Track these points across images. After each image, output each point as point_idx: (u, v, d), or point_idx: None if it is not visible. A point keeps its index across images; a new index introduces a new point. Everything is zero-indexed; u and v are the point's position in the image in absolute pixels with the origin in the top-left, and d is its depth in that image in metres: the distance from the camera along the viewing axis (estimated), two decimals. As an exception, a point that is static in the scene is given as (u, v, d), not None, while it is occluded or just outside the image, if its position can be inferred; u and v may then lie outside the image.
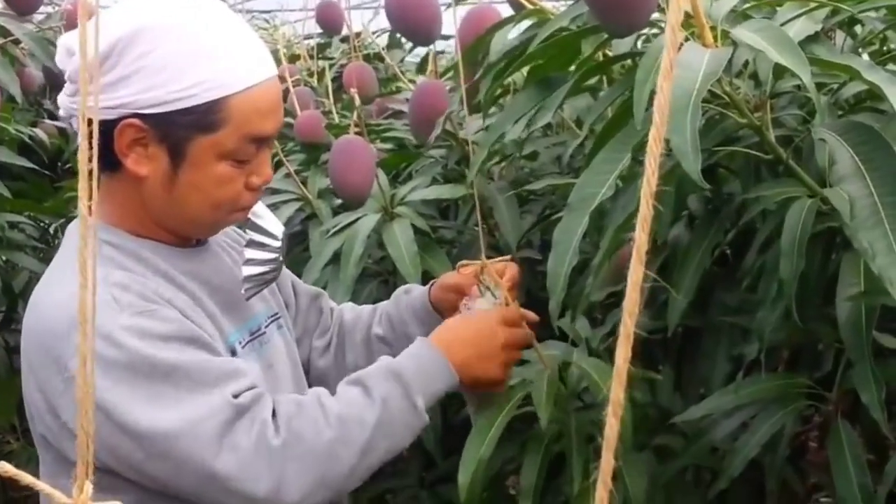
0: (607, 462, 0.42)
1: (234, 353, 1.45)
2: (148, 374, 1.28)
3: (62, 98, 1.43)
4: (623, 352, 0.41)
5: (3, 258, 2.96)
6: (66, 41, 1.40)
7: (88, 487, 0.54)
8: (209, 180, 1.39)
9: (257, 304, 1.57)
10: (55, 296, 1.37)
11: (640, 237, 0.39)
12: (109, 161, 1.37)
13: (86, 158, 0.49)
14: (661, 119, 0.37)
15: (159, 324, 1.32)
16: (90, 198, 0.50)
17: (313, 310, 1.79)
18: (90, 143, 0.50)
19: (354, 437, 1.35)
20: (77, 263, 1.50)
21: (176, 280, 1.43)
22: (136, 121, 1.33)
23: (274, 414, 1.34)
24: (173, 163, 1.37)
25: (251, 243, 1.53)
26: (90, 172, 0.50)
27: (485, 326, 1.51)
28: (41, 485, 0.53)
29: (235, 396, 1.31)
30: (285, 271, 1.74)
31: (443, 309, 1.68)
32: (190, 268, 1.46)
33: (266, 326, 1.57)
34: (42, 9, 3.42)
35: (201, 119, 1.34)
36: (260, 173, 1.44)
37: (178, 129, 1.35)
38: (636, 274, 0.39)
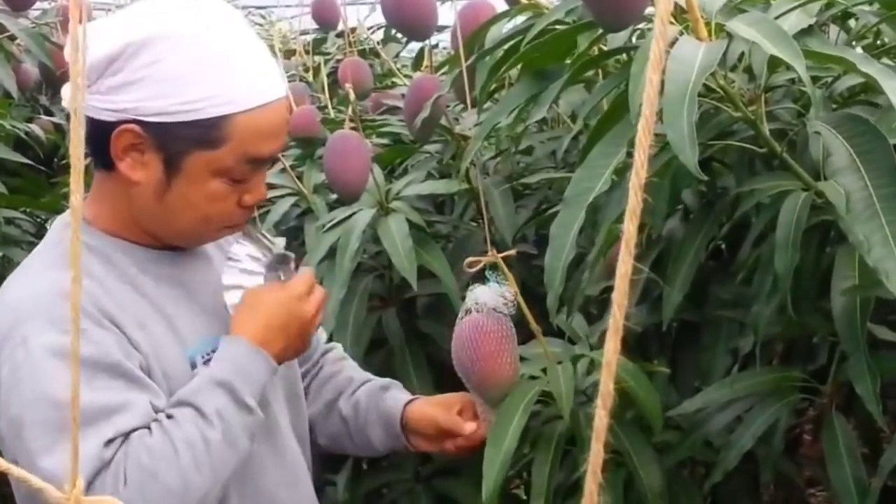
0: (597, 454, 0.42)
1: (193, 365, 1.41)
2: (46, 405, 1.26)
3: (65, 92, 1.42)
4: (612, 344, 0.41)
5: (0, 254, 2.95)
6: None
7: (80, 482, 0.54)
8: (201, 195, 1.38)
9: None
10: (8, 294, 1.38)
11: (629, 229, 0.39)
12: (104, 160, 1.37)
13: (78, 153, 0.49)
14: (650, 110, 0.37)
15: (81, 344, 1.29)
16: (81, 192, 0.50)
17: None
18: (86, 140, 0.50)
19: (204, 459, 1.31)
20: (36, 261, 1.49)
21: (141, 287, 1.41)
22: (134, 127, 1.31)
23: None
24: (167, 173, 1.36)
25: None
26: (84, 167, 0.50)
27: (289, 308, 1.46)
28: (32, 478, 0.53)
29: (109, 442, 1.27)
30: None
31: (413, 434, 1.65)
32: (167, 272, 1.45)
33: None
34: (38, 4, 3.42)
35: (201, 134, 1.32)
36: (254, 192, 1.42)
37: (176, 141, 1.33)
38: (625, 266, 0.39)
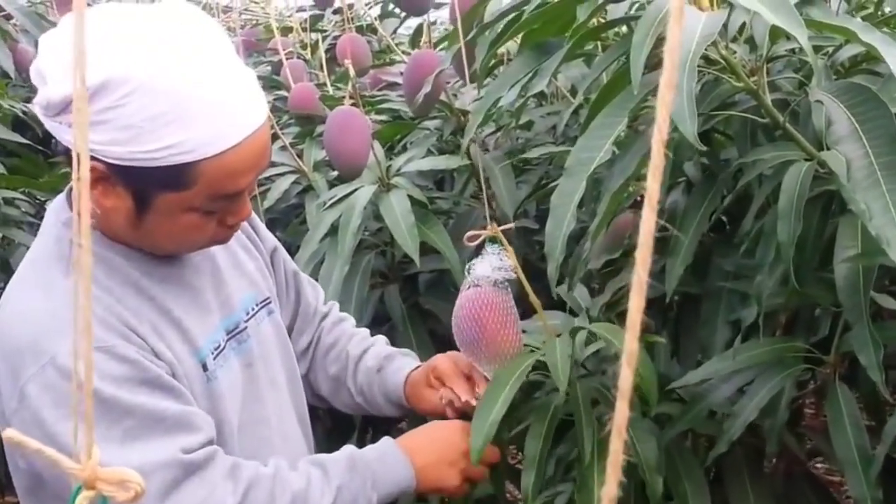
0: (622, 413, 0.42)
1: (205, 367, 1.40)
2: (99, 412, 1.23)
3: (42, 117, 1.29)
4: (636, 301, 0.41)
5: (0, 235, 2.95)
6: (39, 64, 1.25)
7: (96, 452, 0.53)
8: (177, 227, 1.33)
9: (241, 294, 1.54)
10: (21, 304, 1.33)
11: (652, 186, 0.39)
12: None
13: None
14: (671, 63, 0.37)
15: (114, 364, 1.27)
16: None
17: (292, 293, 1.76)
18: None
19: None
20: (40, 266, 1.39)
21: (147, 291, 1.37)
22: (98, 165, 1.23)
23: (230, 475, 1.34)
24: (138, 208, 1.30)
25: None
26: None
27: (448, 434, 1.53)
28: (48, 450, 0.52)
29: (187, 452, 1.29)
30: (280, 254, 1.73)
31: (416, 404, 1.68)
32: (166, 272, 1.41)
33: (248, 319, 1.53)
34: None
35: (167, 178, 1.26)
36: (236, 214, 1.37)
37: (142, 182, 1.27)
38: (648, 222, 0.39)
